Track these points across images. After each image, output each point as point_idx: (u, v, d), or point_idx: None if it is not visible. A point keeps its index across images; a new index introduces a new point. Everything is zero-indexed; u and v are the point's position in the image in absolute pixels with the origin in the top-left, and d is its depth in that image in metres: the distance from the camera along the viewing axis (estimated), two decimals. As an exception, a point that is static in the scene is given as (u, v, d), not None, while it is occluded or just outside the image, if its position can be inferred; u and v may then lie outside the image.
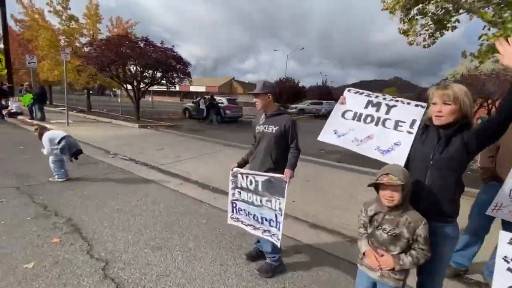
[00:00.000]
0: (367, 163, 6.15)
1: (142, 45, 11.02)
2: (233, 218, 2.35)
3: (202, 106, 15.35)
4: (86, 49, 12.89)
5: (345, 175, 5.54)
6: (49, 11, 12.79)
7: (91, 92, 16.92)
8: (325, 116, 24.01)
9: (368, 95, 1.87)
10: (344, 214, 3.47)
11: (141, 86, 12.03)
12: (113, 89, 23.34)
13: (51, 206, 3.12)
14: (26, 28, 13.35)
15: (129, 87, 12.30)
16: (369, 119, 1.76)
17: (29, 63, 11.57)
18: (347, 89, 2.02)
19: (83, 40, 14.48)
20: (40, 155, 4.95)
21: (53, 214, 2.94)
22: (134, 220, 2.97)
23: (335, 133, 1.83)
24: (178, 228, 2.88)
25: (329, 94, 33.73)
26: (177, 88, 19.65)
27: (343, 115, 1.88)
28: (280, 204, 2.01)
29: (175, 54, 11.50)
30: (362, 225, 1.56)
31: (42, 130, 4.12)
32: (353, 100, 1.89)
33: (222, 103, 15.86)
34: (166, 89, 13.82)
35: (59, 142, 3.97)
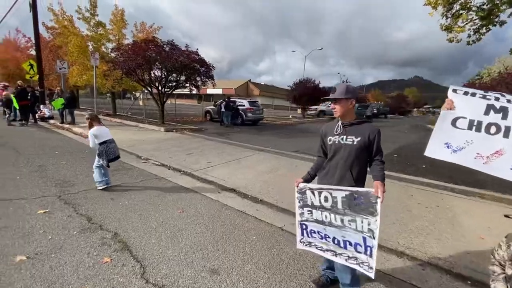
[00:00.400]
0: (414, 171, 5.68)
1: (167, 49, 11.06)
2: (303, 242, 2.05)
3: (224, 109, 15.24)
4: (113, 54, 13.19)
5: (390, 186, 5.10)
6: (78, 18, 13.20)
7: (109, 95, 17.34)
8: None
9: (484, 97, 1.52)
10: (403, 229, 3.09)
11: (166, 89, 12.09)
12: (133, 92, 23.88)
13: (95, 218, 2.98)
14: (56, 35, 13.86)
15: (154, 90, 12.41)
16: (493, 129, 1.42)
17: (60, 68, 11.95)
18: (451, 88, 1.66)
19: (110, 45, 14.85)
20: (77, 160, 4.89)
21: (99, 227, 2.79)
22: (182, 236, 2.75)
23: (448, 147, 1.49)
24: (228, 246, 2.63)
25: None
26: (194, 91, 19.78)
27: (454, 123, 1.53)
28: (369, 224, 1.67)
29: (199, 57, 11.45)
30: (498, 263, 1.22)
31: (92, 121, 4.02)
32: (466, 104, 1.54)
33: (243, 105, 15.71)
34: (184, 92, 13.87)
35: (100, 144, 3.88)
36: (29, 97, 10.70)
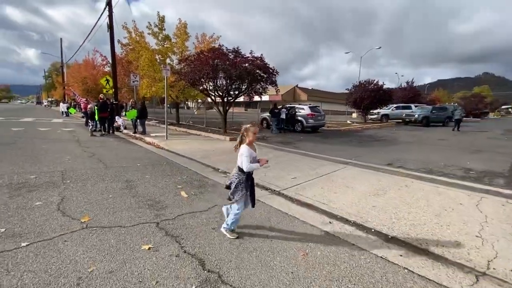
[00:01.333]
0: None
1: (232, 56, 10.78)
2: None
3: (283, 116, 14.51)
4: (177, 66, 13.59)
5: None
6: (148, 33, 13.96)
7: (169, 105, 17.95)
8: (421, 122, 20.53)
9: None
10: None
11: (228, 98, 11.85)
12: (186, 102, 24.95)
13: (209, 263, 2.33)
14: (129, 51, 14.93)
15: (216, 99, 12.29)
16: None
17: (133, 81, 12.65)
18: None
19: (174, 57, 15.43)
20: (159, 174, 4.54)
21: (218, 279, 2.11)
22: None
23: None
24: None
25: (415, 96, 29.23)
26: (241, 98, 19.60)
27: None
28: None
29: (263, 63, 10.92)
30: None
31: (248, 133, 2.83)
32: None
33: (303, 111, 14.74)
34: (242, 100, 13.55)
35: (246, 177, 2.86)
36: (108, 110, 11.47)
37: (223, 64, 10.15)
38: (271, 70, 11.19)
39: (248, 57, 10.91)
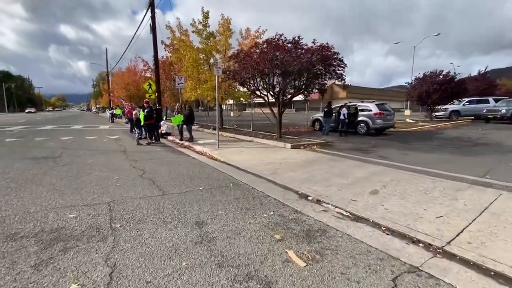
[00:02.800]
0: None
1: (291, 47, 9.07)
2: None
3: (343, 116, 12.40)
4: (222, 65, 12.29)
5: None
6: (193, 31, 12.90)
7: (202, 107, 16.80)
8: (510, 119, 16.42)
9: None
10: None
11: (284, 98, 10.17)
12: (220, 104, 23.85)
13: None
14: (173, 51, 14.06)
15: (270, 99, 10.69)
16: None
17: (178, 84, 11.63)
18: None
19: (217, 56, 14.23)
20: (233, 207, 2.91)
21: None
22: None
23: None
24: None
25: (489, 88, 24.75)
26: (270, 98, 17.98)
27: None
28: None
29: (332, 52, 9.00)
30: None
31: None
32: None
33: (368, 110, 12.49)
34: (259, 101, 11.75)
35: None
36: (154, 116, 10.53)
37: (285, 56, 8.46)
38: (339, 62, 9.24)
39: (312, 46, 9.09)
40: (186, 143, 10.00)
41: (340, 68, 9.47)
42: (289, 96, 10.18)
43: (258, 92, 10.53)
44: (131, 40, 21.34)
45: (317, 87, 10.51)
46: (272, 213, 3.58)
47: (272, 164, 6.47)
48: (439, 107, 20.79)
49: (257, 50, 9.29)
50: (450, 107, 20.68)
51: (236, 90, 14.41)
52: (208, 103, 13.98)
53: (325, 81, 10.51)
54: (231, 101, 17.51)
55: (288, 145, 8.80)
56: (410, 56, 31.02)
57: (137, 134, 9.85)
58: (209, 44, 13.53)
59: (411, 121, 19.98)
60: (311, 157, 7.30)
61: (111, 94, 38.49)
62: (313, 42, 9.16)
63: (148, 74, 24.96)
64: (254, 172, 5.78)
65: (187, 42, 12.82)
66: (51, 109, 73.91)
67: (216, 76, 8.41)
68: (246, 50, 10.24)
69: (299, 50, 8.88)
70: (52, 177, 5.23)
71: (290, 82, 9.61)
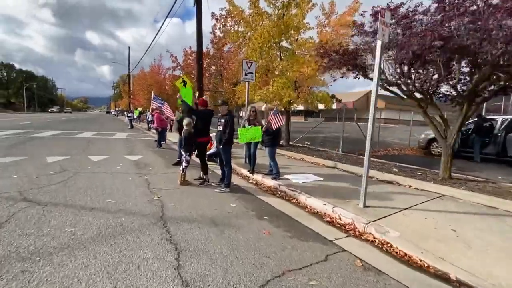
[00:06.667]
0: None
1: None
2: None
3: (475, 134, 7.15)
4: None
5: None
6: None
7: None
8: None
9: None
10: None
11: (476, 99, 5.08)
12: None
13: None
14: (228, 29, 9.43)
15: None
16: None
17: (246, 74, 6.85)
18: None
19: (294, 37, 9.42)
20: None
21: None
22: None
23: None
24: None
25: None
26: (301, 107, 13.24)
27: None
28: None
29: None
30: None
31: None
32: None
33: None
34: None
35: None
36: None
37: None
38: None
39: None
40: (272, 183, 5.12)
41: None
42: (485, 96, 5.04)
43: (404, 87, 5.54)
44: (158, 31, 17.14)
45: None
46: None
47: None
48: None
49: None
50: None
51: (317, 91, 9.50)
52: (279, 106, 9.05)
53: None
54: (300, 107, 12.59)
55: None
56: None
57: (183, 164, 4.94)
58: (284, 18, 8.76)
59: None
60: None
61: (131, 96, 35.07)
62: None
63: (177, 72, 20.64)
64: None
65: (257, 8, 8.12)
66: (69, 110, 72.15)
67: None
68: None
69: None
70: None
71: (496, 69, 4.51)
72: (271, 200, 4.41)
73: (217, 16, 9.71)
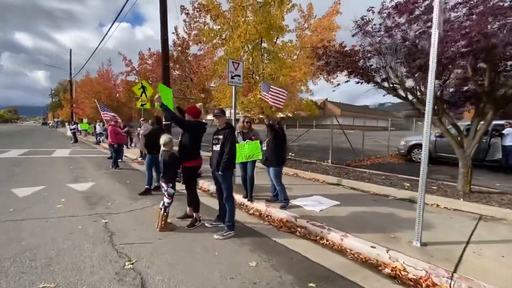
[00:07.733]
0: None
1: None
2: None
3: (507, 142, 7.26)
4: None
5: None
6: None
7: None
8: None
9: None
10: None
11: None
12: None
13: None
14: (199, 25, 8.03)
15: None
16: None
17: (232, 77, 5.62)
18: None
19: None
20: None
21: None
22: None
23: None
24: None
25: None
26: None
27: None
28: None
29: None
30: None
31: None
32: None
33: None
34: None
35: None
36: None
37: None
38: None
39: None
40: (284, 215, 3.93)
41: None
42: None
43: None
44: (105, 35, 14.83)
45: None
46: None
47: None
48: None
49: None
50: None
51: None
52: (258, 116, 7.96)
53: None
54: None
55: None
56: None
57: (164, 201, 3.36)
58: (262, 16, 7.78)
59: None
60: None
61: (74, 105, 30.49)
62: None
63: (131, 78, 18.20)
64: None
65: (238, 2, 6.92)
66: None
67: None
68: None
69: None
70: None
71: None
72: (295, 244, 3.20)
73: (188, 10, 8.28)
